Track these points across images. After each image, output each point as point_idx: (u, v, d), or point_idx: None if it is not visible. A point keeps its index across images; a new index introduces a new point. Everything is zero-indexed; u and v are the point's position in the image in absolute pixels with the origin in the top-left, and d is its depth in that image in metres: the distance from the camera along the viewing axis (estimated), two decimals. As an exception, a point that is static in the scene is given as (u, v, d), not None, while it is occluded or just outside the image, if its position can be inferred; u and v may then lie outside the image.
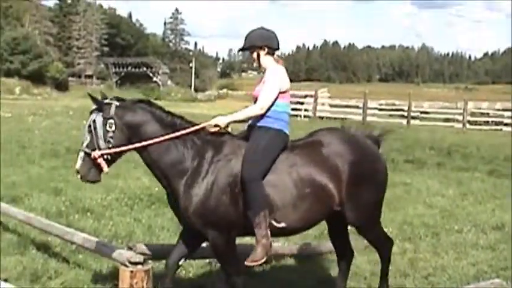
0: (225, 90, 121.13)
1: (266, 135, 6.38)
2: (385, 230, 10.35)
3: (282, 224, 6.25)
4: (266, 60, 6.61)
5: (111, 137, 6.14)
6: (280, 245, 9.15)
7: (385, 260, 7.27)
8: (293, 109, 44.80)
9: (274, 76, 6.44)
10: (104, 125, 6.15)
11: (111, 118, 6.16)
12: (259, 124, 6.47)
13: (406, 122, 43.23)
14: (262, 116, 6.44)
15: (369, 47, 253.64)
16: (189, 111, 46.84)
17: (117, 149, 6.18)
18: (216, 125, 6.40)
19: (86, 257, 8.70)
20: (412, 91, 49.93)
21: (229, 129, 6.50)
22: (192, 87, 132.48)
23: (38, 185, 13.67)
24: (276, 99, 6.43)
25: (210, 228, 6.20)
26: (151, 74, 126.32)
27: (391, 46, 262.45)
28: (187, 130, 6.32)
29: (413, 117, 44.71)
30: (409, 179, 16.86)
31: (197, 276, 8.25)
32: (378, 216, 7.03)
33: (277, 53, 6.73)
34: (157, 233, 10.23)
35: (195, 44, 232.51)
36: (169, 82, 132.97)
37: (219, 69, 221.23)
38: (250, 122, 6.61)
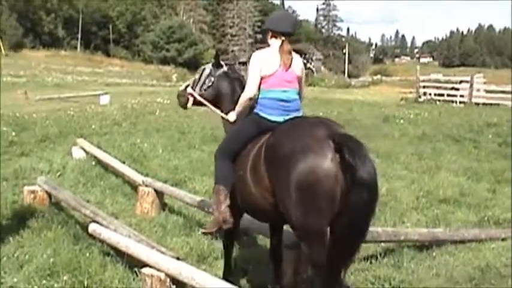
0: (378, 76, 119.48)
1: (243, 119, 6.65)
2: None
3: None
4: (270, 43, 6.56)
5: (205, 89, 7.22)
6: (441, 230, 9.10)
7: None
8: (448, 95, 43.88)
9: (250, 65, 6.49)
10: (207, 76, 7.25)
11: (214, 77, 7.21)
12: None
13: None
14: None
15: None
16: (344, 97, 46.75)
17: (202, 99, 7.23)
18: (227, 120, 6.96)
19: (251, 238, 8.95)
20: None
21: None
22: (346, 73, 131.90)
23: (200, 168, 13.91)
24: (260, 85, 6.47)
25: None
26: (304, 61, 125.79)
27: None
28: (222, 114, 7.11)
29: None
30: None
31: (359, 259, 8.27)
32: (304, 238, 5.47)
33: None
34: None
35: (348, 29, 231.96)
36: (322, 68, 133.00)
37: (371, 55, 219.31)
38: None
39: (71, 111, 26.82)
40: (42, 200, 10.46)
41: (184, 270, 6.15)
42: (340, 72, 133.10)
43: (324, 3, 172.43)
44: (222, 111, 7.11)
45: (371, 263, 8.12)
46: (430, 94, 45.54)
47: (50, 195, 10.49)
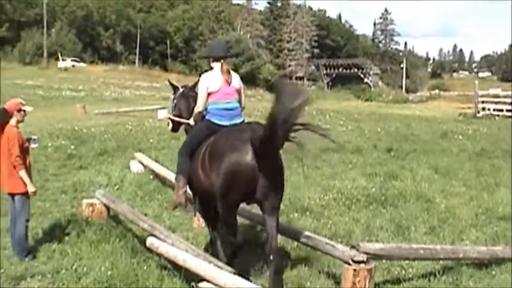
0: (436, 91, 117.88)
1: (198, 125, 8.40)
2: None
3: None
4: (213, 66, 8.35)
5: (174, 110, 9.26)
6: (501, 248, 8.96)
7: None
8: (507, 110, 43.34)
9: (199, 85, 8.37)
10: (172, 101, 9.35)
11: (175, 99, 9.29)
12: None
13: None
14: None
15: None
16: (402, 112, 46.33)
17: (173, 118, 9.18)
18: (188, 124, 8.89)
19: (307, 255, 8.86)
20: None
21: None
22: (403, 88, 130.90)
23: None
24: (208, 100, 8.23)
25: None
26: (362, 75, 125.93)
27: None
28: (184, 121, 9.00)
29: None
30: None
31: (417, 277, 8.20)
32: (222, 207, 7.38)
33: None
34: (376, 233, 10.23)
35: (405, 44, 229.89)
36: (380, 83, 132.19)
37: (429, 70, 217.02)
38: None
39: (129, 125, 27.18)
40: (101, 213, 10.60)
41: (242, 285, 6.15)
42: (398, 87, 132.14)
43: (380, 18, 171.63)
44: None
45: (429, 280, 8.05)
46: (488, 109, 45.09)
47: (108, 208, 10.61)
